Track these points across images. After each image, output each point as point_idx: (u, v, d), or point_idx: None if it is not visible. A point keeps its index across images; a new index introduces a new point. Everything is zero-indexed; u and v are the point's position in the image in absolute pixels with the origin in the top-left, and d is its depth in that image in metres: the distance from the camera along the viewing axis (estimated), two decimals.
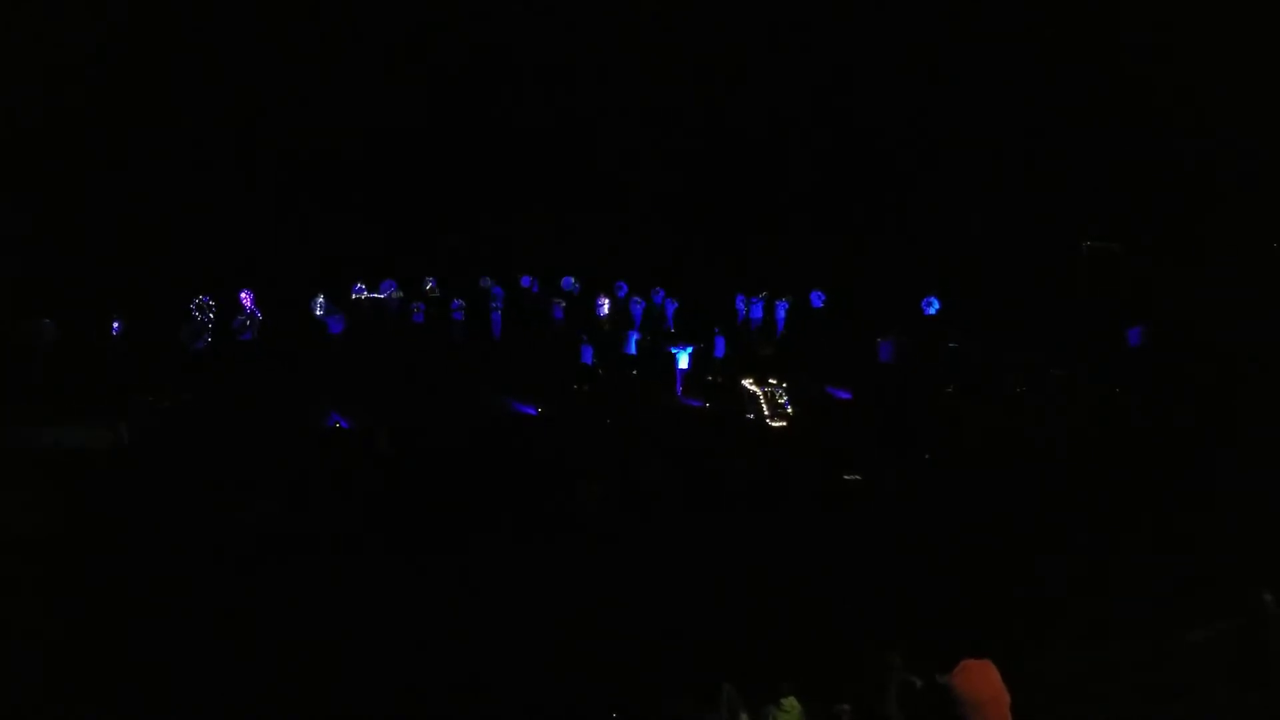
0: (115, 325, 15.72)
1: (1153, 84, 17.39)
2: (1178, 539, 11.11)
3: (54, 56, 16.13)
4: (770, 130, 20.38)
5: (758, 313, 18.34)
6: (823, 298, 18.78)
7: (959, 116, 19.01)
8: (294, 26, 17.82)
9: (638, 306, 18.39)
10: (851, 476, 14.02)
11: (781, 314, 18.34)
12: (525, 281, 19.33)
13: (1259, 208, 16.59)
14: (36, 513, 11.33)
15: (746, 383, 16.21)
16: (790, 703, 7.76)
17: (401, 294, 17.93)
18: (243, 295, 16.64)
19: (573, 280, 19.17)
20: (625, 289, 19.18)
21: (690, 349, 16.52)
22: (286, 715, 9.16)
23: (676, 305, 18.52)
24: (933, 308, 17.97)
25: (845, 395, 16.40)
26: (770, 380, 16.12)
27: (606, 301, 18.42)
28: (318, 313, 17.18)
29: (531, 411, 15.36)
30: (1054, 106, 18.36)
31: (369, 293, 17.77)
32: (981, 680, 5.40)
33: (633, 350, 17.03)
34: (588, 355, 16.65)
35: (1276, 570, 8.88)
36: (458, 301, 17.58)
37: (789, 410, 15.72)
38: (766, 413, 15.73)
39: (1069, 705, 7.85)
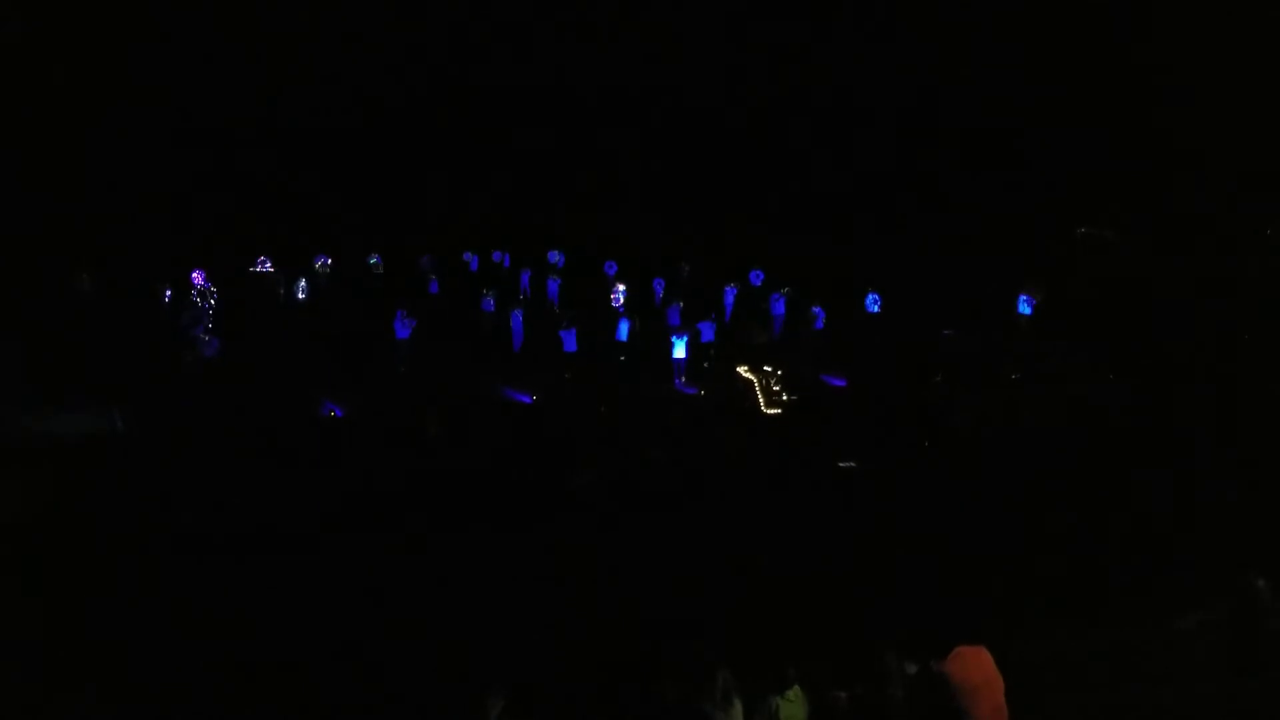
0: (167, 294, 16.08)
1: (1146, 70, 17.42)
2: (1169, 525, 11.17)
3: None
4: (766, 121, 20.39)
5: (778, 307, 18.28)
6: (761, 276, 18.79)
7: (954, 106, 19.01)
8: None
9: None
10: (846, 464, 14.03)
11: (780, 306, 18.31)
12: (496, 256, 19.41)
13: (1252, 196, 16.62)
14: (30, 502, 11.27)
15: (741, 370, 16.22)
16: (795, 692, 7.75)
17: (329, 269, 18.09)
18: (195, 275, 16.60)
19: (560, 256, 19.23)
20: (615, 268, 19.18)
21: (685, 338, 16.45)
22: (282, 708, 9.15)
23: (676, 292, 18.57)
24: (876, 306, 17.96)
25: (840, 383, 16.41)
26: (765, 368, 16.12)
27: (622, 289, 18.39)
28: (300, 295, 17.32)
29: (526, 399, 15.34)
30: (1051, 98, 18.37)
31: (267, 265, 17.79)
32: (975, 666, 5.42)
33: (623, 337, 16.96)
34: (570, 343, 16.57)
35: (1267, 555, 8.92)
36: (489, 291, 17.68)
37: (784, 398, 15.72)
38: (761, 400, 15.75)
39: (1061, 690, 7.88)
